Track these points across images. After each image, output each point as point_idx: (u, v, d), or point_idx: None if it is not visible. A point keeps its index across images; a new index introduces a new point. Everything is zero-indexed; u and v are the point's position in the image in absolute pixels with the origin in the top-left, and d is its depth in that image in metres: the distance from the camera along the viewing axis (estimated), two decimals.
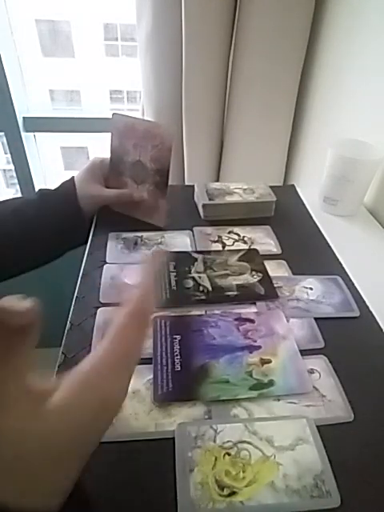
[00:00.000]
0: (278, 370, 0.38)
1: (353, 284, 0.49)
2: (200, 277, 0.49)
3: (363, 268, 0.53)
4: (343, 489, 0.29)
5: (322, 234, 0.59)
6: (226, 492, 0.29)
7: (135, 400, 0.35)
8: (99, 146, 1.46)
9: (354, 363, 0.39)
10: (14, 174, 1.29)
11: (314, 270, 0.51)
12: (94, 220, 0.60)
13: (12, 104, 1.13)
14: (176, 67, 0.87)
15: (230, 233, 0.58)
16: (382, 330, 0.43)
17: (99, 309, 0.44)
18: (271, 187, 0.64)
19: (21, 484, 0.19)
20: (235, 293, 0.47)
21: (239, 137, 0.96)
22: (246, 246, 0.55)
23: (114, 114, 0.57)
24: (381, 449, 0.32)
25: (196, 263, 0.51)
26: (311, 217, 0.63)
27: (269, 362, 0.39)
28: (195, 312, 0.45)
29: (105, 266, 0.50)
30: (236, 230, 0.59)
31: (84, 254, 0.53)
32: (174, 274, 0.49)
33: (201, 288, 0.47)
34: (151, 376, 0.37)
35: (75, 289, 0.47)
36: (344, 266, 0.52)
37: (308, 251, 0.55)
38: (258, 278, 0.49)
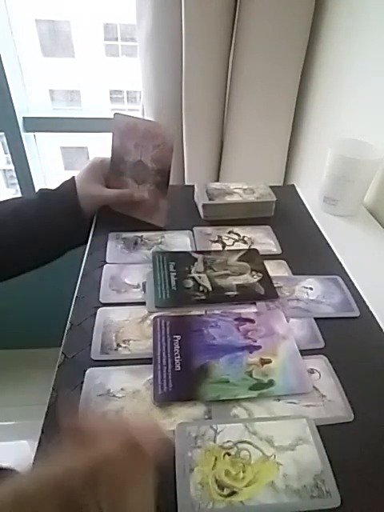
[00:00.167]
0: (278, 370, 0.38)
1: (353, 284, 0.49)
2: (200, 277, 0.49)
3: (363, 268, 0.53)
4: (343, 489, 0.29)
5: (322, 234, 0.59)
6: (226, 492, 0.29)
7: (135, 400, 0.35)
8: (99, 146, 1.46)
9: (354, 363, 0.39)
10: (14, 174, 1.29)
11: (314, 270, 0.51)
12: (94, 220, 0.60)
13: (12, 104, 1.13)
14: (176, 67, 0.87)
15: (230, 233, 0.58)
16: (382, 329, 0.43)
17: (99, 309, 0.44)
18: (271, 187, 0.64)
19: None
20: (235, 293, 0.47)
21: (239, 137, 0.96)
22: (246, 246, 0.55)
23: (115, 113, 0.57)
24: (381, 449, 0.32)
25: (196, 263, 0.51)
26: (311, 217, 0.63)
27: (269, 362, 0.39)
28: (195, 312, 0.45)
29: (105, 266, 0.50)
30: (236, 230, 0.59)
31: (84, 254, 0.53)
32: (174, 273, 0.49)
33: (201, 288, 0.47)
34: (151, 376, 0.37)
35: (75, 289, 0.47)
36: (344, 266, 0.52)
37: (308, 251, 0.56)
38: (258, 278, 0.49)
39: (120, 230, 0.57)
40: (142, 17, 0.84)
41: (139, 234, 0.57)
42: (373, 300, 0.47)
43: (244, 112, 0.92)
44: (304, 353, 0.40)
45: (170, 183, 0.57)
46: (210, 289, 0.47)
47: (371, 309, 0.46)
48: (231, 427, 0.33)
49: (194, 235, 0.57)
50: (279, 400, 0.36)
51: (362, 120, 0.71)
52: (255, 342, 0.41)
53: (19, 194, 1.36)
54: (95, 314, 0.43)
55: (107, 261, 0.52)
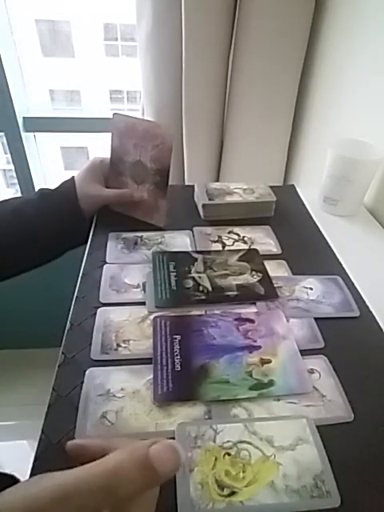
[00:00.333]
0: (278, 370, 0.38)
1: (353, 284, 0.49)
2: (200, 277, 0.49)
3: (363, 268, 0.53)
4: (343, 489, 0.29)
5: (321, 234, 0.59)
6: (225, 492, 0.29)
7: (135, 400, 0.35)
8: (99, 146, 1.46)
9: (354, 363, 0.39)
10: (14, 174, 1.29)
11: (314, 270, 0.51)
12: (94, 220, 0.60)
13: (12, 104, 1.13)
14: (176, 67, 0.87)
15: (229, 233, 0.58)
16: (382, 329, 0.43)
17: (99, 309, 0.44)
18: (271, 187, 0.64)
19: None
20: (235, 293, 0.47)
21: (239, 137, 0.96)
22: (245, 246, 0.55)
23: (114, 113, 0.57)
24: (381, 449, 0.32)
25: (196, 263, 0.51)
26: (311, 217, 0.63)
27: (269, 362, 0.39)
28: (195, 312, 0.45)
29: (105, 266, 0.50)
30: (236, 230, 0.59)
31: (84, 254, 0.53)
32: (174, 273, 0.49)
33: (201, 288, 0.47)
34: (151, 376, 0.37)
35: (75, 289, 0.47)
36: (344, 266, 0.52)
37: (308, 251, 0.56)
38: (258, 278, 0.49)
39: (120, 229, 0.57)
40: (142, 17, 0.84)
41: (139, 234, 0.57)
42: (373, 300, 0.47)
43: (244, 112, 0.92)
44: (304, 353, 0.40)
45: (170, 183, 0.57)
46: (210, 289, 0.47)
47: (371, 309, 0.46)
48: (231, 427, 0.33)
49: (193, 235, 0.57)
50: (279, 400, 0.36)
51: (362, 120, 0.71)
52: (255, 342, 0.41)
53: (19, 194, 1.36)
54: (95, 313, 0.43)
55: (107, 261, 0.52)
